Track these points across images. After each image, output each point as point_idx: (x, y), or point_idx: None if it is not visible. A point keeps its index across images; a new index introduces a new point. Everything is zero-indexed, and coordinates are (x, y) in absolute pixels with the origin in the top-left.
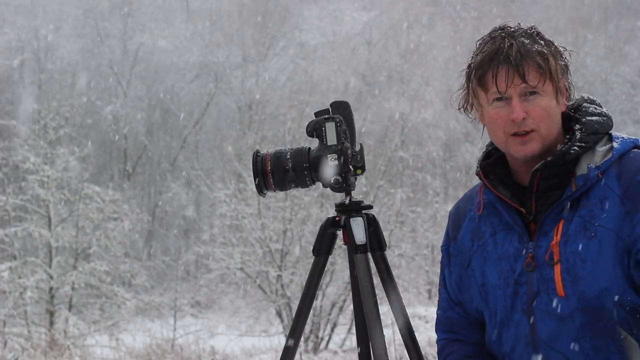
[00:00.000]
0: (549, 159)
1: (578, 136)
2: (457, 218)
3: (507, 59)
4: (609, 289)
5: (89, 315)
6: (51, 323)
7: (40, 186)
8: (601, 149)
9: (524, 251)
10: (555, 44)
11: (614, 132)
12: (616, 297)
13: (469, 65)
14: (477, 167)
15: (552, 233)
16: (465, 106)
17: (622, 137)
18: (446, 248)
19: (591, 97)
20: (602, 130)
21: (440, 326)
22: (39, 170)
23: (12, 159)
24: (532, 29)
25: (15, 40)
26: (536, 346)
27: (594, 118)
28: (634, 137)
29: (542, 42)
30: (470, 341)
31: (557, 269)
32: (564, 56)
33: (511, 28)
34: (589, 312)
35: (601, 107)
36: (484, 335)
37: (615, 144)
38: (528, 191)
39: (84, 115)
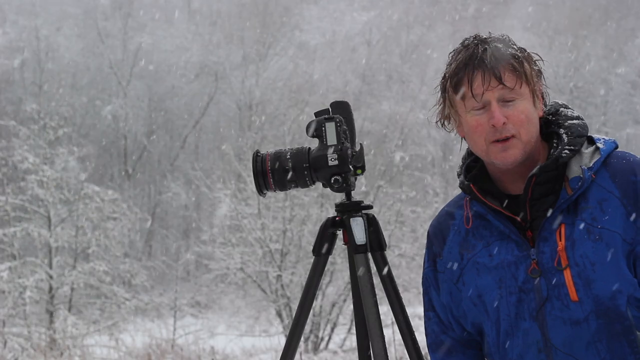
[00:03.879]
0: (542, 163)
1: (565, 140)
2: (439, 234)
3: (482, 63)
4: (621, 291)
5: (89, 315)
6: (51, 323)
7: (39, 186)
8: (587, 150)
9: (526, 258)
10: (528, 51)
11: (592, 135)
12: (628, 298)
13: (444, 76)
14: (463, 181)
15: (553, 238)
16: (442, 120)
17: (603, 138)
18: (432, 268)
19: (564, 102)
20: (585, 132)
21: (435, 348)
22: (38, 170)
23: (12, 159)
24: (503, 36)
25: (15, 40)
26: (549, 353)
27: (575, 122)
28: (612, 138)
29: (515, 47)
30: None
31: (568, 273)
32: (537, 62)
33: (483, 36)
34: (603, 315)
35: (574, 111)
36: (480, 355)
37: (600, 145)
38: (522, 198)
39: (84, 115)
